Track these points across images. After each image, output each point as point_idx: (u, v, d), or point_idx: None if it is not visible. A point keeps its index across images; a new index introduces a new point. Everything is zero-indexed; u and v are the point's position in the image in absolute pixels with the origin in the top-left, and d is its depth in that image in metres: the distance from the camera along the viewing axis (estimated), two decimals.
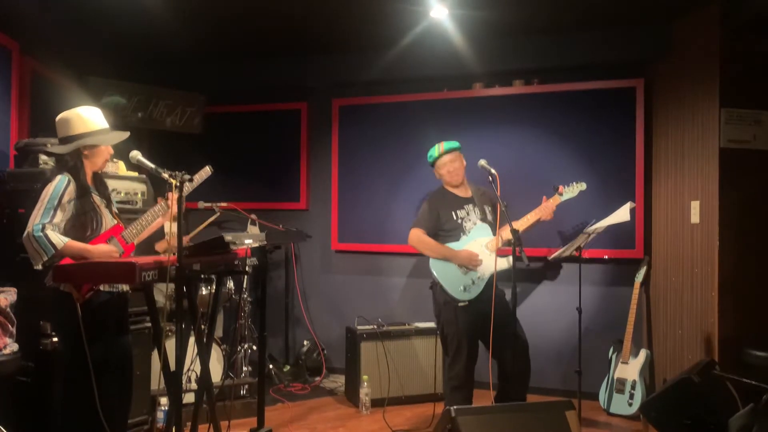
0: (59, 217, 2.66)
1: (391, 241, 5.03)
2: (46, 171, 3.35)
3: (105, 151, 2.89)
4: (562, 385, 4.50)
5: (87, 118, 2.82)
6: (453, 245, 3.58)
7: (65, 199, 2.69)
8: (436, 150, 3.72)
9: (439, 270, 3.58)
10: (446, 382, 3.61)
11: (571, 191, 3.73)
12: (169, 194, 2.76)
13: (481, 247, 3.55)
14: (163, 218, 2.93)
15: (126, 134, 2.93)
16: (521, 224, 3.58)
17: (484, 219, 3.64)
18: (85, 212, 2.75)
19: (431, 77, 4.95)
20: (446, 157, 3.68)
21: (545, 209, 3.62)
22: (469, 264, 3.50)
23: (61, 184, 2.70)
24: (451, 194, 3.69)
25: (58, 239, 2.60)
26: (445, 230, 3.62)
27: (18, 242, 2.70)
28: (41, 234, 2.58)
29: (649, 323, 4.51)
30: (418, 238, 3.63)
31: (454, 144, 3.71)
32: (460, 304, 3.50)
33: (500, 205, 3.34)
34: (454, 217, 3.61)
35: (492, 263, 3.49)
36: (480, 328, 3.47)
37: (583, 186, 3.75)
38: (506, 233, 3.44)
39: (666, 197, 4.34)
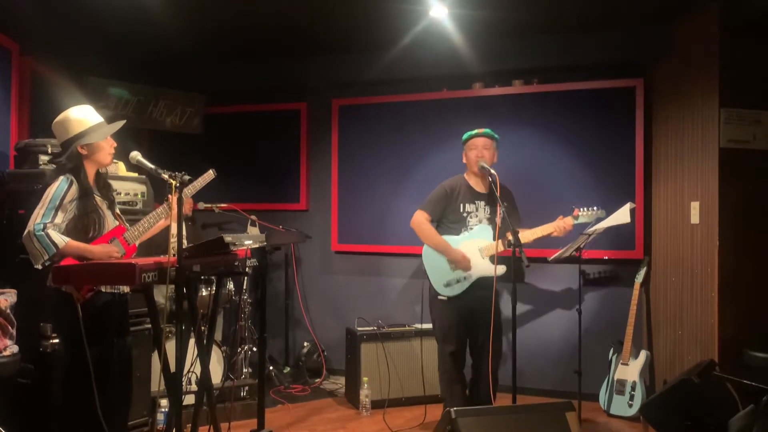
0: (60, 218, 2.67)
1: (391, 241, 5.03)
2: (46, 172, 3.35)
3: (106, 146, 2.87)
4: (562, 386, 4.50)
5: (79, 117, 2.81)
6: (451, 238, 3.58)
7: (67, 200, 2.70)
8: (474, 131, 3.64)
9: (429, 259, 3.62)
10: (441, 375, 3.67)
11: (587, 216, 3.59)
12: (170, 197, 2.76)
13: (477, 249, 3.54)
14: (166, 220, 2.93)
15: (121, 123, 2.92)
16: (531, 234, 3.53)
17: (491, 220, 3.62)
18: (87, 213, 2.75)
19: (431, 77, 4.95)
20: (481, 140, 3.60)
21: (559, 227, 3.53)
22: (458, 266, 3.51)
23: (63, 185, 2.71)
24: (468, 186, 3.65)
25: (59, 238, 2.60)
26: (449, 220, 3.62)
27: (18, 243, 2.70)
28: (42, 233, 2.58)
29: (649, 324, 4.51)
30: (419, 223, 3.62)
31: (495, 135, 3.65)
32: (440, 297, 3.56)
33: (500, 206, 3.33)
34: (461, 210, 3.60)
35: (481, 266, 3.53)
36: (468, 324, 3.55)
37: (602, 213, 3.63)
38: (508, 235, 3.44)
39: (666, 198, 4.34)
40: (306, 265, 5.42)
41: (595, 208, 3.62)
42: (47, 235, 2.59)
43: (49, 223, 2.62)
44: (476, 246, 3.56)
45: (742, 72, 3.77)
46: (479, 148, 3.58)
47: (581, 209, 3.61)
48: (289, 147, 5.39)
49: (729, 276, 3.71)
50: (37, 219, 2.62)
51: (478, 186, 3.66)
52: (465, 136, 3.68)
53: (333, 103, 5.24)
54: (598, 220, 3.67)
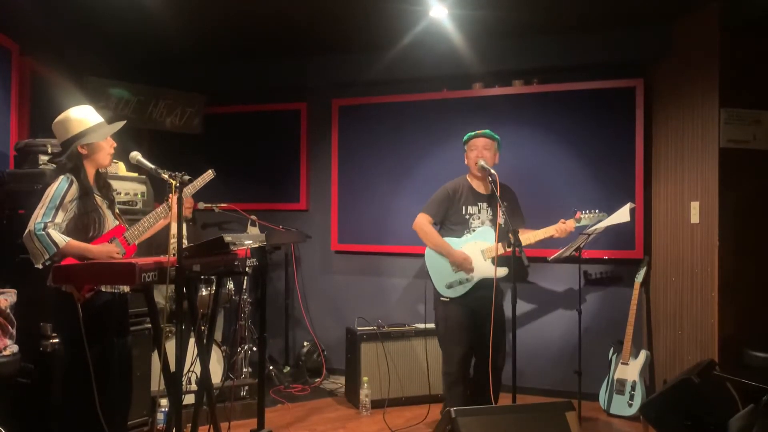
0: (61, 217, 2.67)
1: (391, 241, 5.03)
2: (46, 172, 3.35)
3: (105, 146, 2.88)
4: (562, 386, 4.49)
5: (79, 117, 2.82)
6: (453, 241, 3.59)
7: (67, 199, 2.70)
8: (474, 131, 3.64)
9: (431, 260, 3.62)
10: (444, 377, 3.66)
11: (588, 219, 3.62)
12: (170, 196, 2.77)
13: (479, 251, 3.55)
14: (165, 220, 2.93)
15: (121, 124, 2.93)
16: (533, 237, 3.55)
17: (494, 221, 3.63)
18: (87, 212, 2.75)
19: (431, 77, 4.95)
20: (481, 141, 3.59)
21: (561, 229, 3.55)
22: (460, 267, 3.52)
23: (63, 185, 2.71)
24: (470, 188, 3.65)
25: (60, 238, 2.61)
26: (451, 222, 3.63)
27: (18, 243, 2.70)
28: (43, 232, 2.58)
29: (649, 324, 4.51)
30: (422, 225, 3.64)
31: (496, 135, 3.65)
32: (442, 298, 3.58)
33: (500, 206, 3.33)
34: (463, 212, 3.61)
35: (483, 268, 3.54)
36: (471, 325, 3.55)
37: (603, 216, 3.65)
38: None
39: (666, 197, 4.34)
40: (306, 265, 5.42)
41: (596, 210, 3.65)
42: (48, 234, 2.59)
43: (50, 222, 2.62)
44: (478, 248, 3.56)
45: (742, 72, 3.77)
46: (479, 149, 3.58)
47: (583, 212, 3.63)
48: (289, 147, 5.39)
49: (729, 276, 3.71)
50: (37, 218, 2.62)
51: (480, 187, 3.67)
52: (465, 137, 3.69)
53: (333, 103, 5.24)
54: (600, 222, 3.68)
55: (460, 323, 3.54)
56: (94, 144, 2.82)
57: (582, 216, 3.62)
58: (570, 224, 3.58)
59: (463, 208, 3.61)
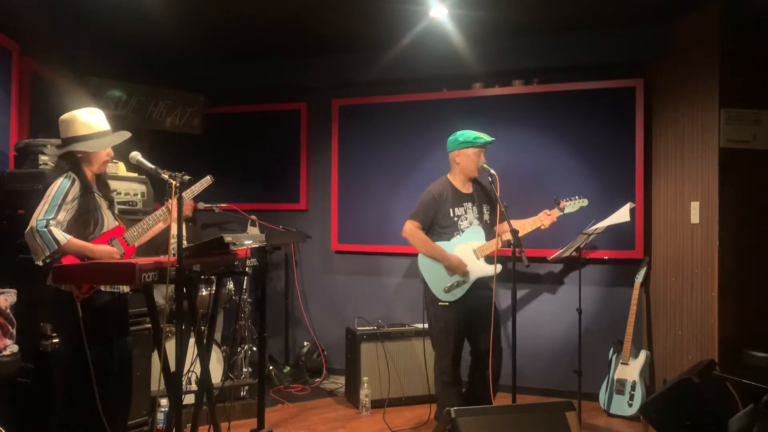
0: (63, 215, 2.67)
1: (391, 241, 5.03)
2: (46, 171, 3.35)
3: (102, 154, 2.88)
4: (562, 386, 4.50)
5: (84, 121, 2.82)
6: (444, 244, 3.58)
7: (69, 197, 2.70)
8: (471, 135, 3.56)
9: (425, 266, 3.61)
10: (437, 377, 3.64)
11: (571, 206, 3.65)
12: (169, 200, 2.77)
13: (471, 251, 3.55)
14: (165, 223, 2.94)
15: (126, 136, 2.92)
16: (520, 230, 3.52)
17: (480, 219, 3.63)
18: (87, 211, 2.76)
19: (431, 77, 4.95)
20: (477, 150, 3.55)
21: (545, 220, 3.58)
22: (456, 271, 3.52)
23: (65, 183, 2.72)
24: (454, 189, 3.64)
25: (62, 236, 2.61)
26: (440, 226, 3.62)
27: (18, 243, 2.71)
28: (45, 229, 2.59)
29: (649, 324, 4.51)
30: (412, 232, 3.62)
31: (491, 139, 3.60)
32: (440, 303, 3.56)
33: (500, 206, 3.33)
34: (451, 214, 3.60)
35: (478, 268, 3.54)
36: (466, 325, 3.55)
37: (584, 202, 3.68)
38: (506, 234, 3.44)
39: (666, 197, 4.34)
40: (306, 265, 5.42)
41: (577, 197, 3.68)
42: (49, 231, 2.59)
43: (52, 219, 2.62)
44: (470, 248, 3.57)
45: (742, 72, 3.77)
46: (473, 156, 3.56)
47: (566, 200, 3.66)
48: (289, 147, 5.39)
49: (729, 276, 3.71)
50: (39, 215, 2.63)
51: (463, 187, 3.67)
52: (473, 141, 3.55)
53: (333, 103, 5.24)
54: (581, 208, 3.71)
55: (454, 325, 3.53)
56: (90, 152, 2.82)
57: (566, 204, 3.64)
58: (554, 214, 3.61)
59: (451, 210, 3.60)
